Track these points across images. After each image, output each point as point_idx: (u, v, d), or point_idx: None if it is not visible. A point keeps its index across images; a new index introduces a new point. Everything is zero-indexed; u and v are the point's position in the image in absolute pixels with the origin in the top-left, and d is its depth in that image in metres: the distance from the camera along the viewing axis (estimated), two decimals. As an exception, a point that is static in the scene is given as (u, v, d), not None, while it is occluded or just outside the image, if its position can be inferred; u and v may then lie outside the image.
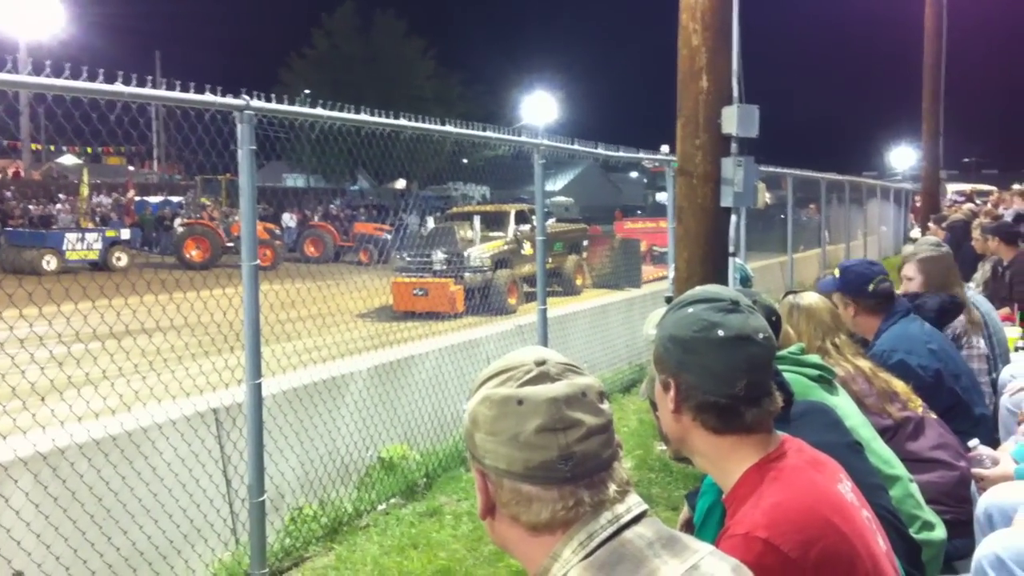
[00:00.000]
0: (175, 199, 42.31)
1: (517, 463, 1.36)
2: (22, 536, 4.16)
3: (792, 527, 1.78)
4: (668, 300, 2.01)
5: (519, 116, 56.80)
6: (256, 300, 4.88)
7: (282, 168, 54.43)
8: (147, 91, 4.46)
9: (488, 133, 7.19)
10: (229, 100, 4.82)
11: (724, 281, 6.50)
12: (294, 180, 54.70)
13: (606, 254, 20.32)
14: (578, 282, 19.88)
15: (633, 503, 1.40)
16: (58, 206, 37.81)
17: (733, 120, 6.54)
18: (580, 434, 1.35)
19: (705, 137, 6.61)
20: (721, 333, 1.87)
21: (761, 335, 1.90)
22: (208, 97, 4.73)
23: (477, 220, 18.18)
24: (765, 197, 9.12)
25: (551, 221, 21.98)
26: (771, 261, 16.58)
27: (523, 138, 7.88)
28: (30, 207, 37.96)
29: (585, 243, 21.71)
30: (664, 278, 18.77)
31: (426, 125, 6.45)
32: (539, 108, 59.22)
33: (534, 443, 1.34)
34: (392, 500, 6.28)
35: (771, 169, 14.45)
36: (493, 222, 19.17)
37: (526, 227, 19.04)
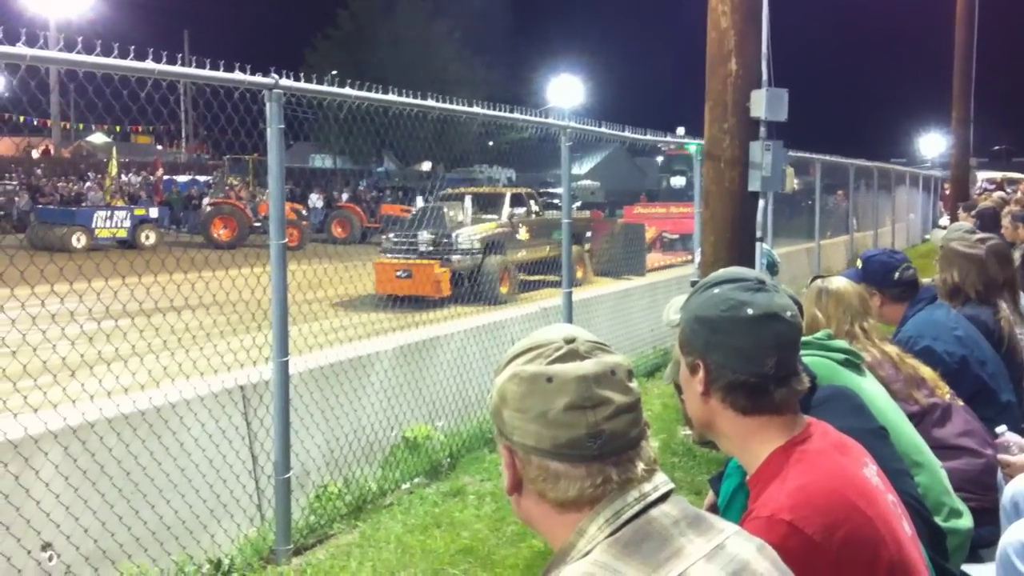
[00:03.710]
0: (203, 178, 42.52)
1: (545, 440, 1.36)
2: (51, 508, 4.21)
3: (816, 510, 1.78)
4: (694, 284, 2.00)
5: (544, 99, 56.63)
6: (284, 278, 4.92)
7: (309, 149, 54.52)
8: (177, 68, 4.49)
9: (515, 115, 7.19)
10: (258, 79, 4.85)
11: (750, 266, 6.48)
12: (322, 160, 54.78)
13: (606, 240, 19.36)
14: (579, 275, 17.46)
15: (660, 482, 1.41)
16: (87, 184, 38.08)
17: (762, 104, 6.50)
18: (608, 412, 1.36)
19: (733, 121, 6.58)
20: (750, 311, 1.86)
21: (789, 313, 1.90)
22: (237, 76, 4.76)
23: (468, 200, 17.31)
24: (793, 182, 9.08)
25: (576, 204, 21.74)
26: (798, 247, 16.49)
27: (550, 120, 7.87)
28: (60, 185, 38.26)
29: (588, 234, 20.09)
30: (672, 266, 18.60)
31: (454, 106, 6.45)
32: (564, 91, 58.99)
33: (563, 420, 1.35)
34: (416, 480, 6.32)
35: (799, 154, 14.37)
36: (488, 204, 18.30)
37: (522, 210, 18.32)
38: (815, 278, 3.73)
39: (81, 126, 54.38)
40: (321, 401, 5.90)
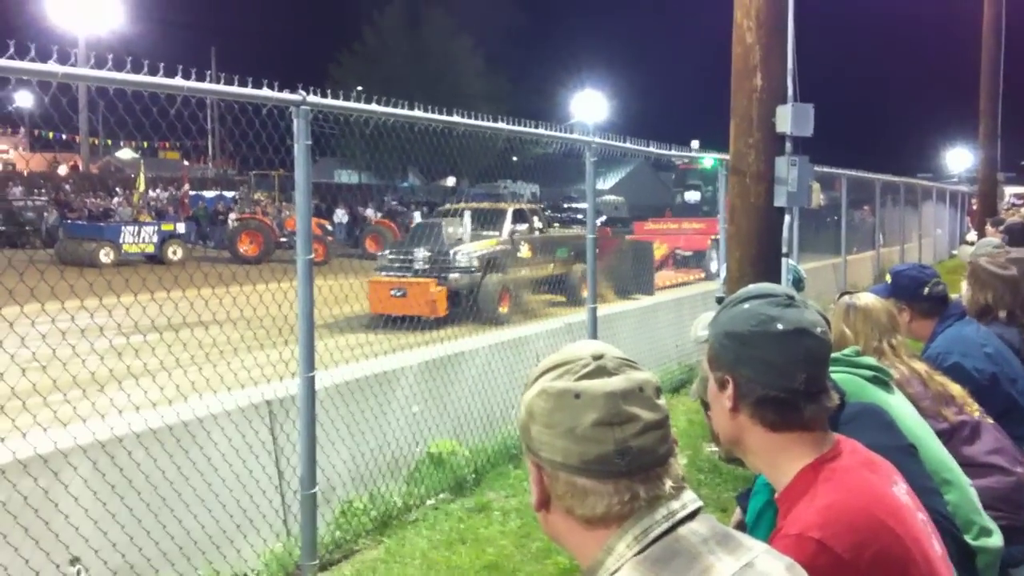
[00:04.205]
0: (229, 194, 42.86)
1: (573, 456, 1.36)
2: (80, 522, 4.24)
3: (846, 528, 1.76)
4: (719, 300, 1.99)
5: (569, 114, 56.74)
6: (310, 294, 4.94)
7: (334, 164, 54.85)
8: (206, 85, 4.54)
9: (540, 130, 7.20)
10: (286, 95, 4.88)
11: (776, 281, 6.45)
12: (348, 176, 55.03)
13: (613, 258, 18.11)
14: (583, 294, 16.80)
15: (688, 500, 1.40)
16: (116, 200, 38.44)
17: (787, 119, 6.48)
18: (637, 429, 1.35)
19: (759, 136, 6.56)
20: (780, 327, 1.86)
21: (819, 329, 1.89)
22: (265, 92, 4.79)
23: (467, 216, 16.48)
24: (819, 197, 9.04)
25: (600, 220, 21.42)
26: (824, 263, 16.39)
27: (574, 135, 7.87)
28: (88, 200, 38.64)
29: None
30: (685, 284, 18.28)
31: (479, 122, 6.47)
32: (589, 106, 59.05)
33: (590, 436, 1.34)
34: (441, 495, 6.32)
35: (825, 169, 14.29)
36: (488, 220, 17.28)
37: (524, 227, 17.60)
38: (843, 294, 3.71)
39: (109, 142, 54.99)
40: (347, 416, 5.91)
